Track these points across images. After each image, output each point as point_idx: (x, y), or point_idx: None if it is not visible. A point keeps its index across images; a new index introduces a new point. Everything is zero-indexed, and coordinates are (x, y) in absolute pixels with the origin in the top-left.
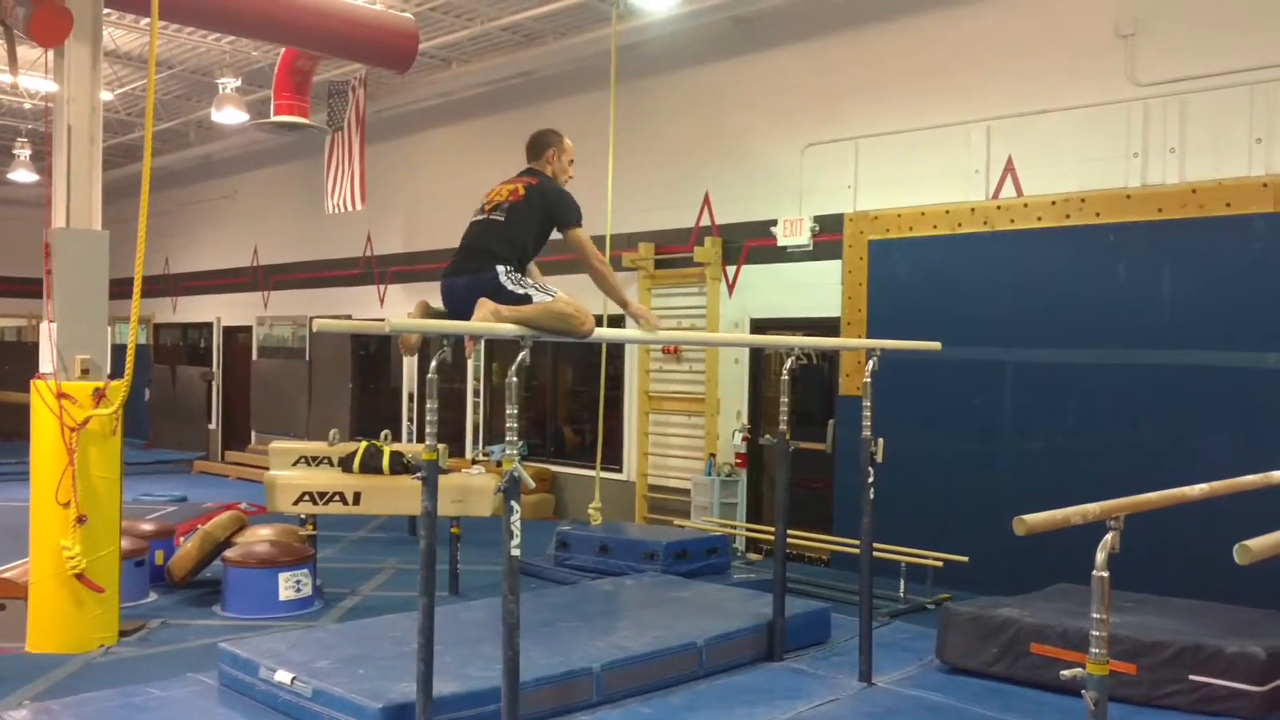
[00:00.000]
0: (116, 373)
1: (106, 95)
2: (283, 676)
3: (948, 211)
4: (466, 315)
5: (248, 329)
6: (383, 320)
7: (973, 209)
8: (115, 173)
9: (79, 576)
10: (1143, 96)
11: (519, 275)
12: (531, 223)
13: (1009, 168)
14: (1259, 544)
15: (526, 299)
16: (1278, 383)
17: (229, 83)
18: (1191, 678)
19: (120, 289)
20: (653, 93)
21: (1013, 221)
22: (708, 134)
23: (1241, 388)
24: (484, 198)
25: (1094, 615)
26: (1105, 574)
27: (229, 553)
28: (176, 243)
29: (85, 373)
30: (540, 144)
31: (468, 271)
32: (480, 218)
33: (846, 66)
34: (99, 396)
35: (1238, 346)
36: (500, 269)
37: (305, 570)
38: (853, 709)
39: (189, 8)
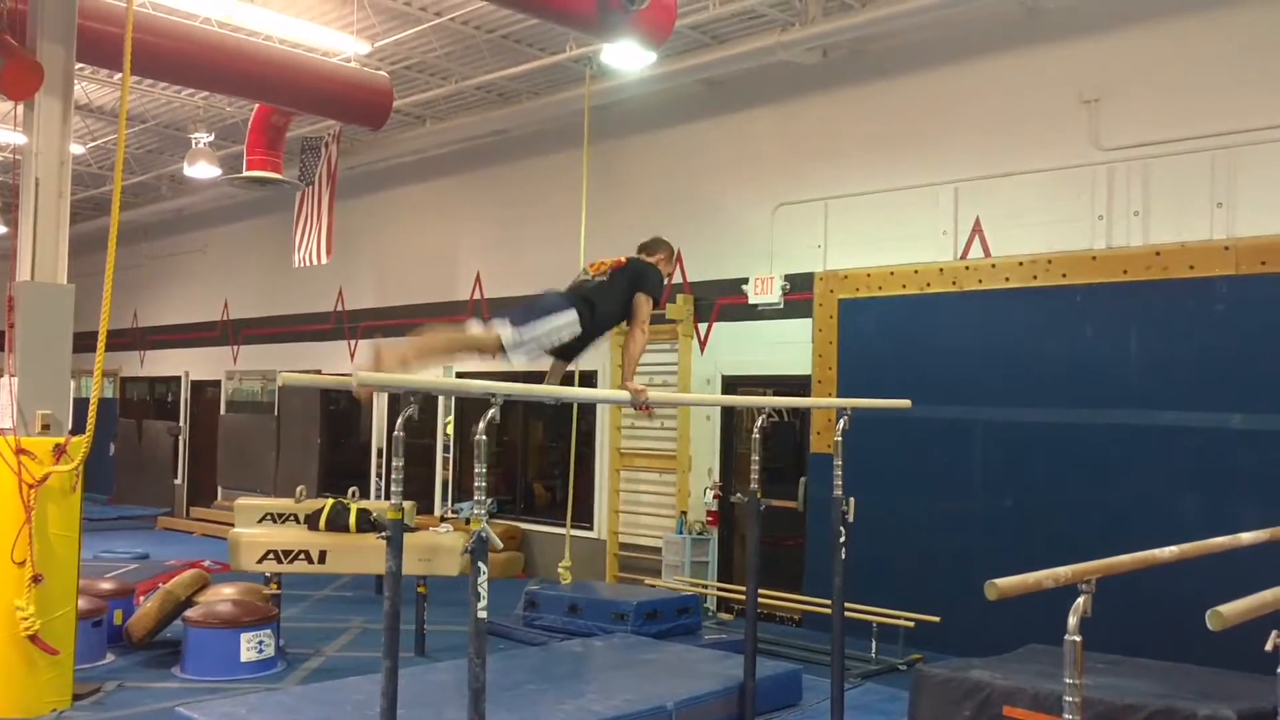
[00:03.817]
0: (78, 428)
1: (78, 149)
2: None
3: (916, 271)
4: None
5: (216, 383)
6: (349, 375)
7: (941, 269)
8: (86, 225)
9: (32, 638)
10: (1106, 161)
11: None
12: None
13: (976, 228)
14: (1231, 610)
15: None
16: (1243, 443)
17: (202, 138)
18: None
19: (87, 342)
20: (625, 152)
21: (980, 282)
22: (680, 193)
23: (1208, 448)
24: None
25: (1067, 680)
26: (1078, 638)
27: (190, 612)
28: (146, 296)
29: (46, 428)
30: (654, 244)
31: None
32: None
33: (815, 128)
34: (59, 452)
35: (1204, 407)
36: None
37: (268, 630)
38: None
39: (162, 64)
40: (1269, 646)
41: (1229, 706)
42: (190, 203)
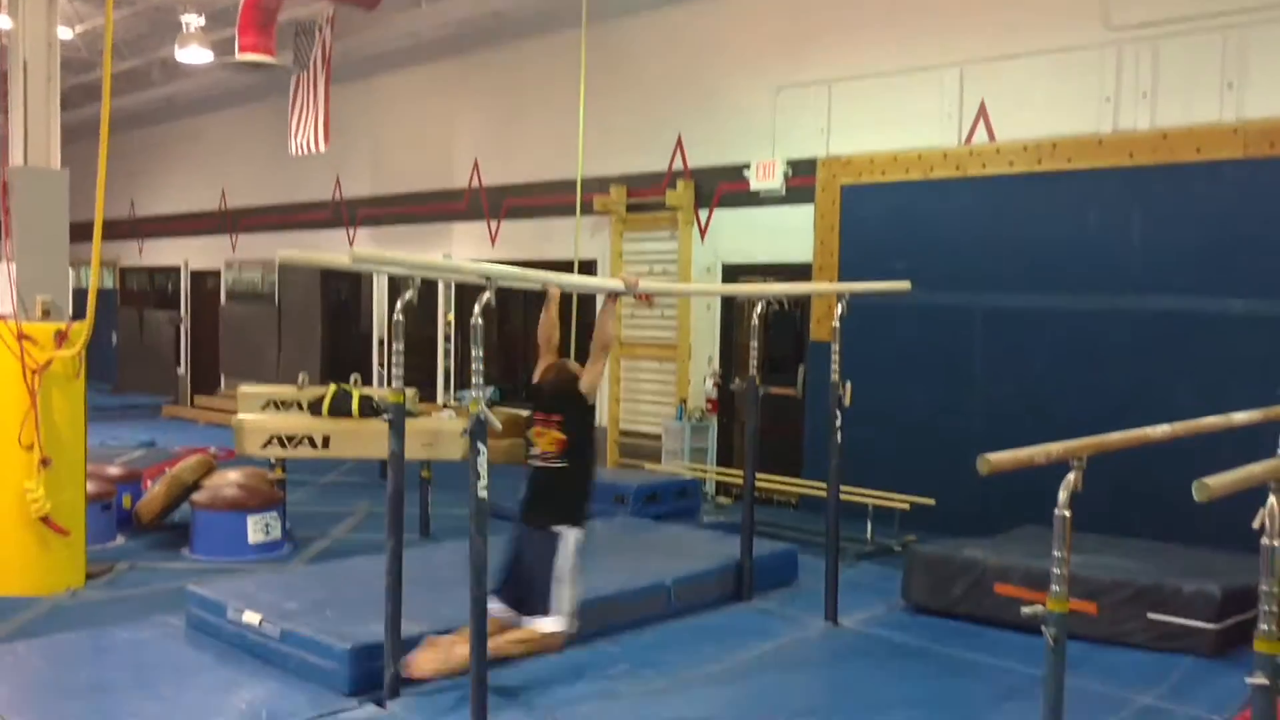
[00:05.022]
0: (79, 315)
1: (66, 33)
2: (251, 618)
3: (920, 156)
4: None
5: (216, 273)
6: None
7: (945, 154)
8: (77, 113)
9: (44, 519)
10: (1115, 40)
11: None
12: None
13: (982, 112)
14: (1217, 481)
15: None
16: (1242, 328)
17: (193, 20)
18: (1150, 616)
19: (84, 231)
20: (624, 34)
21: (985, 166)
22: (680, 76)
23: (1207, 333)
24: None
25: (1055, 554)
26: (1067, 513)
27: (197, 496)
28: (142, 185)
29: (46, 314)
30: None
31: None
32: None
33: (819, 8)
34: (61, 338)
35: (1205, 292)
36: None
37: (274, 513)
38: (818, 648)
39: None
40: (1256, 523)
41: (1213, 582)
42: (183, 89)
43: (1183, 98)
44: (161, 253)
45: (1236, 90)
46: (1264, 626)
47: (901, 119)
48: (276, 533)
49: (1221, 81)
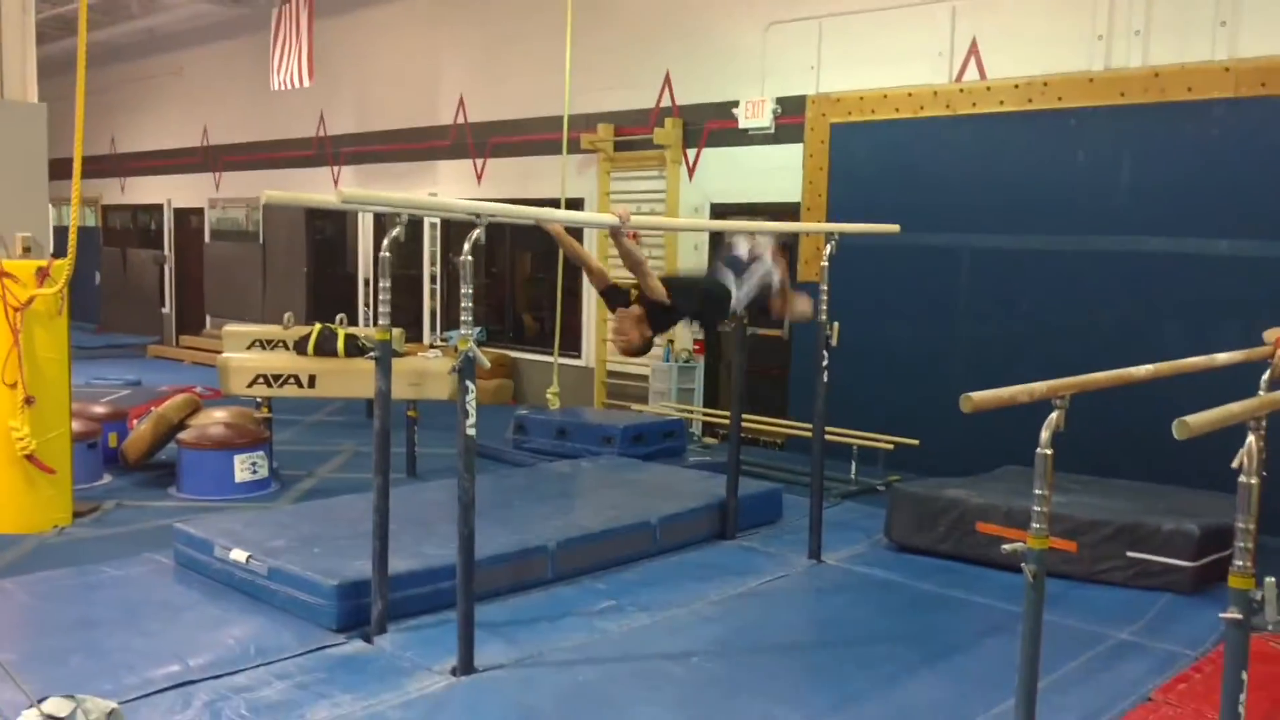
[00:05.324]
0: (60, 253)
1: None
2: (238, 555)
3: (910, 94)
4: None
5: (199, 211)
6: (335, 195)
7: (935, 92)
8: (54, 46)
9: (29, 457)
10: None
11: None
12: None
13: (973, 49)
14: (1196, 420)
15: None
16: (1227, 269)
17: None
18: (1129, 554)
19: (64, 169)
20: None
21: (975, 105)
22: (669, 11)
23: (1193, 273)
24: None
25: (1036, 491)
26: (1049, 451)
27: (183, 435)
28: (122, 121)
29: (27, 250)
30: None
31: None
32: None
33: None
34: (42, 275)
35: (1191, 233)
36: None
37: (261, 452)
38: (802, 584)
39: None
40: (1235, 463)
41: (1192, 521)
42: (162, 22)
43: (1175, 36)
44: (144, 191)
45: (1230, 28)
46: (1238, 562)
47: (892, 57)
48: (263, 471)
49: (1215, 19)
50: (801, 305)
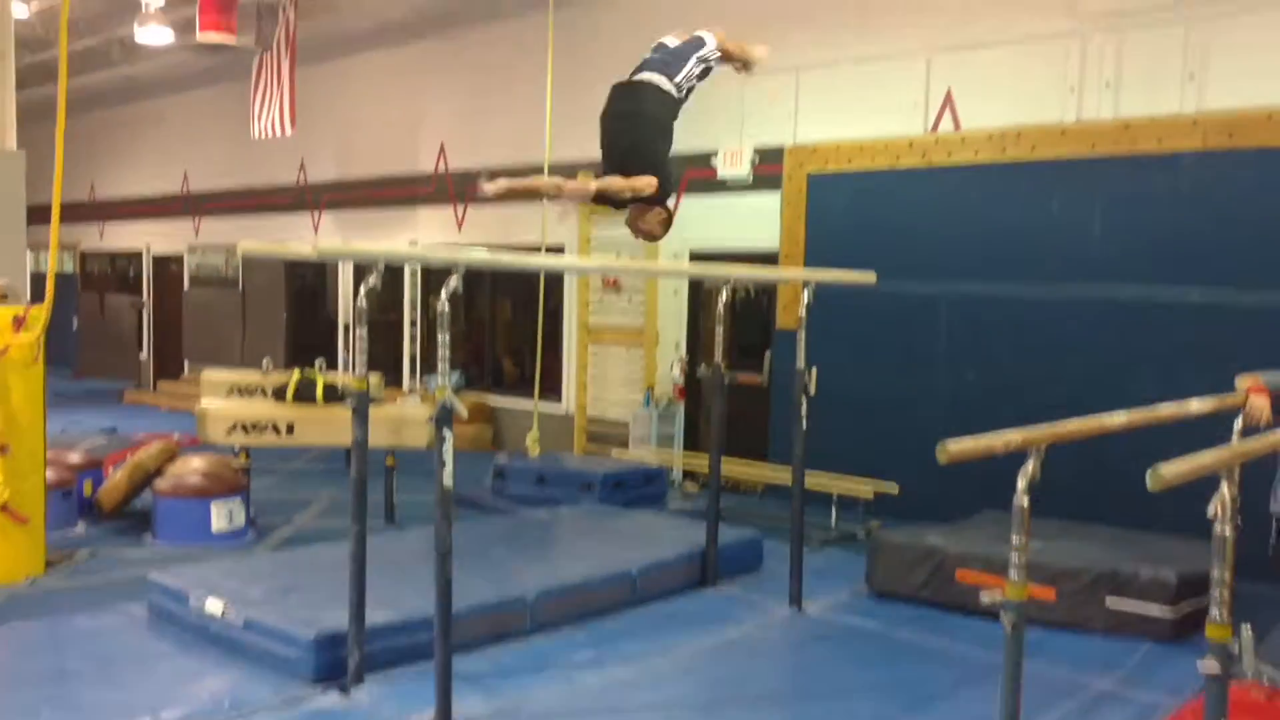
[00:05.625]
0: (37, 299)
1: (22, 11)
2: (214, 607)
3: (886, 145)
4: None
5: (179, 257)
6: (311, 247)
7: (911, 143)
8: (35, 92)
9: (2, 507)
10: (1080, 29)
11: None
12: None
13: (948, 101)
14: (1170, 470)
15: None
16: (1199, 316)
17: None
18: (1108, 601)
19: (43, 215)
20: (592, 17)
21: (950, 155)
22: None
23: (1166, 321)
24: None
25: (1014, 540)
26: (1025, 501)
27: (159, 482)
28: (102, 167)
29: (3, 298)
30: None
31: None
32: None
33: None
34: (19, 323)
35: (1164, 281)
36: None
37: (238, 500)
38: (783, 634)
39: None
40: (1210, 510)
41: (1170, 568)
42: (144, 70)
43: (1145, 88)
44: (123, 236)
45: (1197, 82)
46: (1214, 612)
47: (868, 108)
48: (240, 520)
49: (1183, 73)
50: (759, 50)
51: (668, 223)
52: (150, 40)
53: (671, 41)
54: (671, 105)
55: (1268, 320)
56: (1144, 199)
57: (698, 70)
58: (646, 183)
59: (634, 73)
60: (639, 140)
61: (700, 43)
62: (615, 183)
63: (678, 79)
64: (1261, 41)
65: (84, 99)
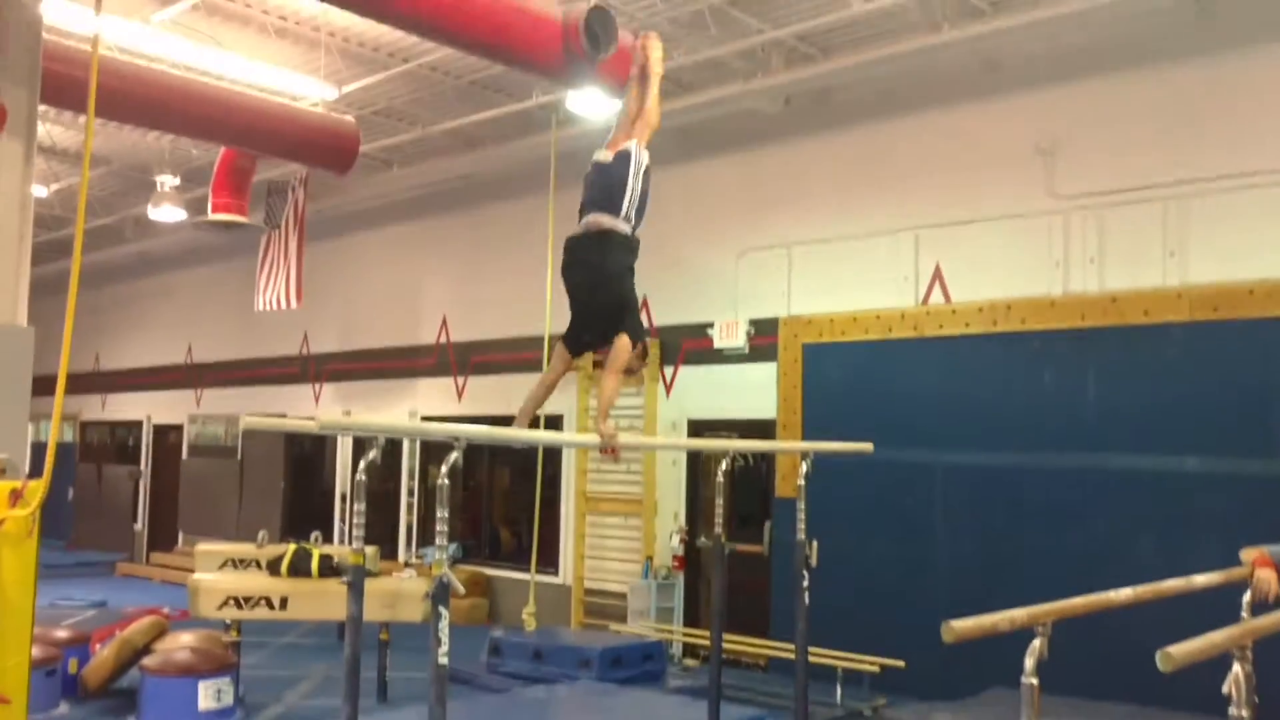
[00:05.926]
0: (36, 472)
1: (41, 191)
2: None
3: (878, 316)
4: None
5: (179, 427)
6: (313, 419)
7: (903, 314)
8: (48, 268)
9: None
10: (1062, 210)
11: None
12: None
13: (937, 274)
14: (1180, 650)
15: None
16: (1196, 485)
17: (167, 180)
18: None
19: (46, 385)
20: None
21: (941, 327)
22: (645, 238)
23: (1162, 490)
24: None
25: None
26: (1034, 681)
27: (147, 660)
28: (108, 339)
29: (2, 472)
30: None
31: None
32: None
33: (779, 175)
34: (15, 497)
35: (1160, 451)
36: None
37: (227, 678)
38: None
39: (127, 107)
40: (1225, 689)
41: None
42: (154, 245)
43: (1128, 263)
44: (124, 406)
45: (1179, 257)
46: None
47: (860, 281)
48: (229, 699)
49: (1164, 249)
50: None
51: (644, 354)
52: (164, 219)
53: (605, 156)
54: (630, 246)
55: (1265, 488)
56: (1135, 368)
57: (639, 186)
58: (624, 345)
59: (581, 210)
60: (608, 302)
61: (626, 154)
62: (619, 362)
63: (624, 208)
64: (1237, 218)
65: (94, 273)
